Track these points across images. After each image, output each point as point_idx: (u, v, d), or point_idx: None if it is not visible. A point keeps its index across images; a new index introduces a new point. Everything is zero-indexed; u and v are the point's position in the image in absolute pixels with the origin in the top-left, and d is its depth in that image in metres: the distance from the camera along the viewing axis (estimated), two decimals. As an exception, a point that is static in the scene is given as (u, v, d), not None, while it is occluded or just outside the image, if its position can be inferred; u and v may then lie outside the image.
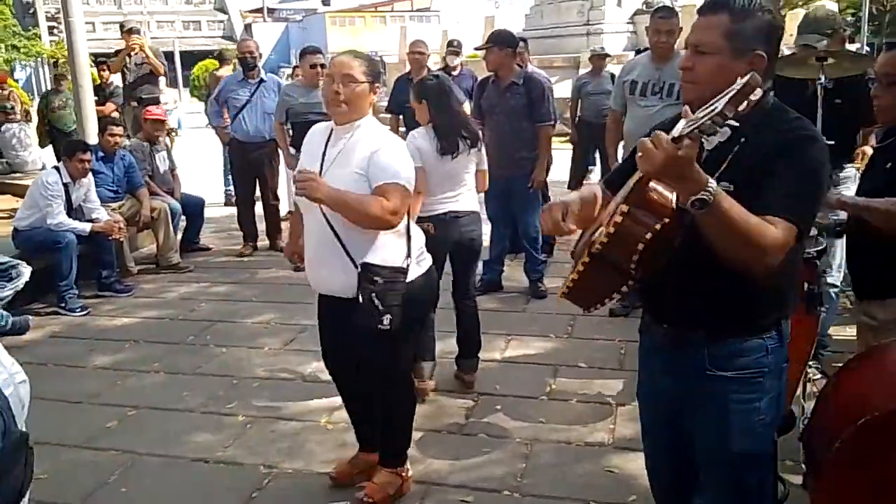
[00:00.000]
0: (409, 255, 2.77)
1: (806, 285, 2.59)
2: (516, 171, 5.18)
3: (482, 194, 4.44)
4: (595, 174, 8.19)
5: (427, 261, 2.92)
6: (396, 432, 3.04)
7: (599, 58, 8.51)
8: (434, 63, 10.36)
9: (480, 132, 4.05)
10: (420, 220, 3.46)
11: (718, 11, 1.74)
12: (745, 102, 1.46)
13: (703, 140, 1.52)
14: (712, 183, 1.54)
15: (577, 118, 8.13)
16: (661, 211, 1.62)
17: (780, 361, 1.85)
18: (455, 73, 7.95)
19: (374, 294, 2.66)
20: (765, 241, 1.59)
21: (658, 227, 1.61)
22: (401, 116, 6.61)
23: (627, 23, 15.94)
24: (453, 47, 8.51)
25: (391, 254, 2.73)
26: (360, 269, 2.68)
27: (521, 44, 6.30)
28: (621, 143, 4.93)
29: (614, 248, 1.64)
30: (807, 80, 3.52)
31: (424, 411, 3.72)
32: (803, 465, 2.76)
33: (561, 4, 16.65)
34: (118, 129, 6.30)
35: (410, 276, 2.77)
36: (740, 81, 1.47)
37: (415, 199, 3.23)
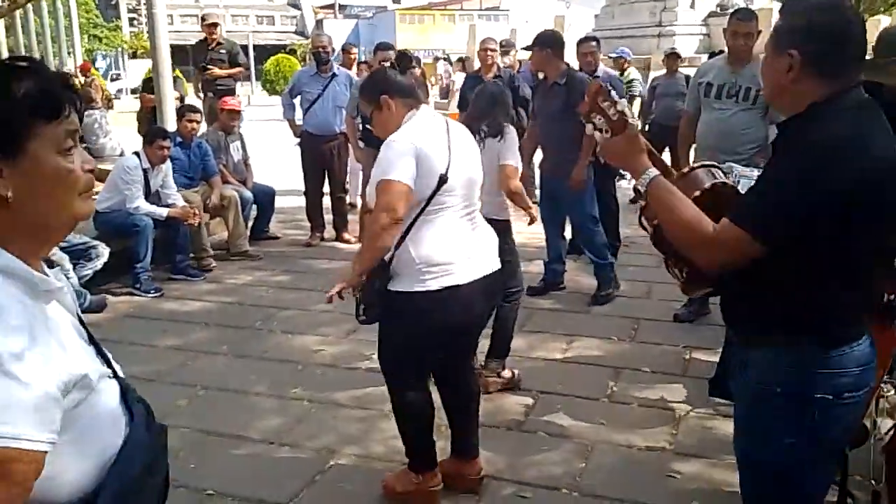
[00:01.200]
0: (394, 251, 2.63)
1: (885, 297, 2.51)
2: (561, 172, 5.14)
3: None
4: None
5: (442, 280, 2.62)
6: (402, 434, 2.97)
7: (672, 58, 8.40)
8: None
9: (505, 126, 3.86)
10: None
11: (780, 13, 1.82)
12: (594, 104, 1.76)
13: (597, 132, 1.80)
14: (647, 175, 1.74)
15: (649, 120, 8.03)
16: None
17: (805, 387, 1.72)
18: (514, 71, 7.96)
19: (362, 286, 2.74)
20: (695, 237, 1.69)
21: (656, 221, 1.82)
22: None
23: (700, 25, 15.65)
24: (503, 47, 8.52)
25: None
26: None
27: (593, 43, 6.26)
28: (693, 147, 4.86)
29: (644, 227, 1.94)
30: None
31: (484, 407, 3.72)
32: (872, 482, 2.69)
33: (633, 5, 16.46)
34: (196, 116, 6.45)
35: (406, 287, 2.63)
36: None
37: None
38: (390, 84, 2.72)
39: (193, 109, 6.58)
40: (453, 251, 2.67)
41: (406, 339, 2.74)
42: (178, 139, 6.30)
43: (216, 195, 6.44)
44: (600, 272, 5.35)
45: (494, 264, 2.82)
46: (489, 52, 6.71)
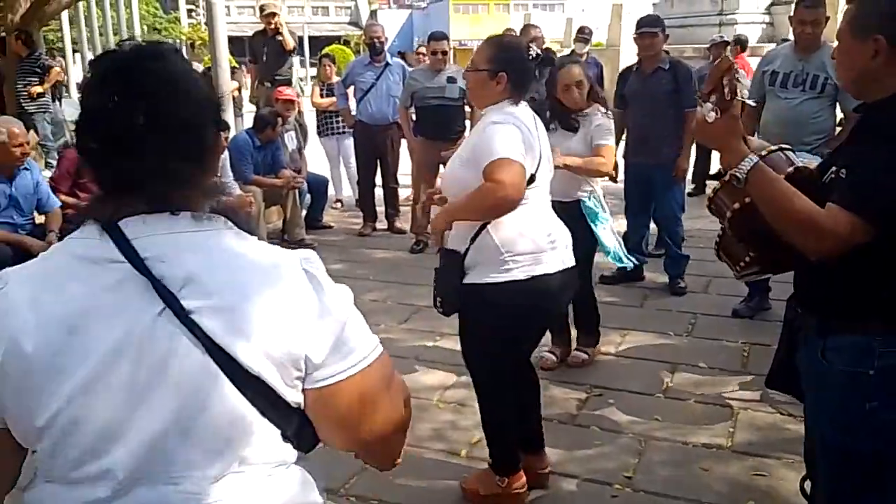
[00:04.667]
0: (472, 241, 2.57)
1: None
2: (659, 159, 5.03)
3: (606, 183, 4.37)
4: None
5: (529, 269, 2.57)
6: (487, 436, 2.90)
7: (720, 46, 8.19)
8: (557, 51, 10.28)
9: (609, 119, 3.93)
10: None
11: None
12: (722, 84, 1.70)
13: (707, 114, 1.75)
14: (749, 160, 1.69)
15: None
16: (734, 195, 1.81)
17: None
18: (581, 60, 7.84)
19: (435, 276, 2.69)
20: (807, 225, 1.65)
21: (736, 206, 1.80)
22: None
23: (763, 13, 15.21)
24: (584, 34, 8.39)
25: (458, 238, 2.62)
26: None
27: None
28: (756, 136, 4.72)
29: (716, 215, 1.92)
30: None
31: (536, 399, 3.72)
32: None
33: (693, -7, 16.08)
34: (279, 128, 6.49)
35: (489, 278, 2.56)
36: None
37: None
38: (518, 70, 2.61)
39: (277, 114, 6.60)
40: (538, 240, 2.61)
41: (493, 332, 2.65)
42: (258, 143, 6.38)
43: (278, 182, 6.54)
44: (681, 263, 5.28)
45: (572, 260, 2.76)
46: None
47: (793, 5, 4.43)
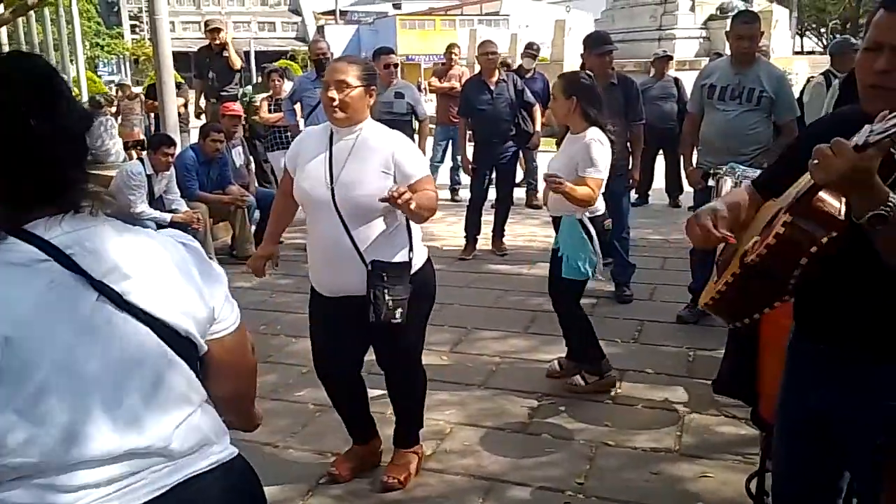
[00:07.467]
0: (411, 249, 2.86)
1: None
2: (614, 171, 5.12)
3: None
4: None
5: (425, 251, 3.02)
6: (413, 414, 3.18)
7: (662, 61, 8.41)
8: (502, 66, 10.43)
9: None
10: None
11: None
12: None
13: (892, 150, 1.39)
14: (894, 197, 1.42)
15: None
16: (830, 223, 1.50)
17: None
18: (528, 75, 7.99)
19: (385, 290, 2.78)
20: None
21: (824, 240, 1.51)
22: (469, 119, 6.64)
23: (700, 28, 15.69)
24: (532, 50, 8.55)
25: (395, 249, 2.82)
26: (369, 268, 2.76)
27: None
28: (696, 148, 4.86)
29: (773, 259, 1.55)
30: None
31: (488, 409, 3.75)
32: None
33: (633, 9, 16.51)
34: (220, 136, 6.36)
35: (414, 268, 2.88)
36: None
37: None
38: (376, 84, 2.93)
39: (218, 129, 6.51)
40: (419, 231, 3.02)
41: (429, 306, 3.07)
42: (202, 157, 6.29)
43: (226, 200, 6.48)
44: (628, 271, 5.38)
45: None
46: (490, 57, 6.68)
47: (729, 20, 4.61)
